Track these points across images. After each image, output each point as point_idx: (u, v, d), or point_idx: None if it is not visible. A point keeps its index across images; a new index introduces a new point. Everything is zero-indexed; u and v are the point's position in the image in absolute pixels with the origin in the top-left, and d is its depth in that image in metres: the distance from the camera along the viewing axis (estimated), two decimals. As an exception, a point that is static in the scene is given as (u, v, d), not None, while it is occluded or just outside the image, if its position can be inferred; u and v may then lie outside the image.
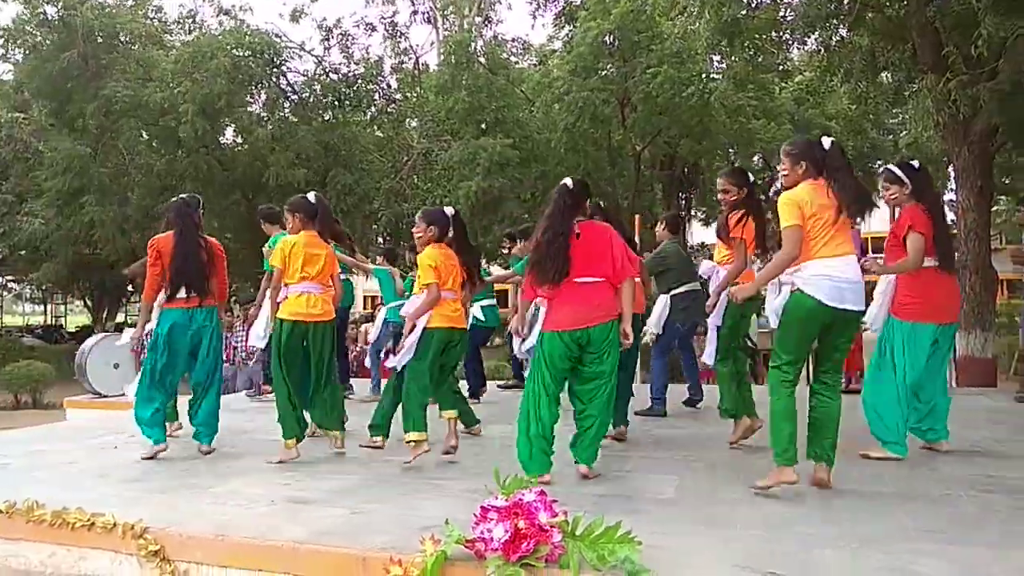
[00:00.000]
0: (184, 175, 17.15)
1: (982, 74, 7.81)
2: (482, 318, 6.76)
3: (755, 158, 18.49)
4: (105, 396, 9.00)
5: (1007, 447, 4.50)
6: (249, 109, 18.34)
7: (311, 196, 4.92)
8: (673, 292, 5.99)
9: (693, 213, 22.21)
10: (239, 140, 19.29)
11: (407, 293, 7.18)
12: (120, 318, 28.57)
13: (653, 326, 5.98)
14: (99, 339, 9.98)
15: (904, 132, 15.96)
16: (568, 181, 4.07)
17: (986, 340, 8.49)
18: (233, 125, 18.53)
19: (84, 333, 23.79)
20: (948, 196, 18.30)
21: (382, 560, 2.75)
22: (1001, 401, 6.57)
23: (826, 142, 3.71)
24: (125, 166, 18.09)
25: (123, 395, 9.54)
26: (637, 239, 7.51)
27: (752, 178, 4.76)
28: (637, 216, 10.65)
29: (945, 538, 2.95)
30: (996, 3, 6.85)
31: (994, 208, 14.03)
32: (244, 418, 6.47)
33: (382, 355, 7.38)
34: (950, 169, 11.65)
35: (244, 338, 10.19)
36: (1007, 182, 14.64)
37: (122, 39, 18.20)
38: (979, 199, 8.66)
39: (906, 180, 4.38)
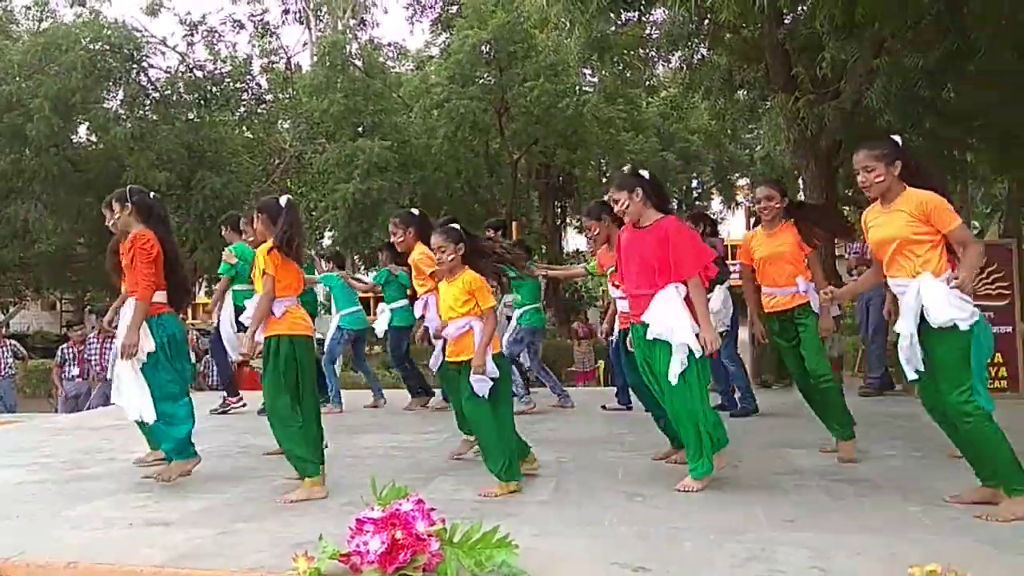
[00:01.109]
0: (32, 176, 15.91)
1: (827, 94, 8.45)
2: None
3: (625, 168, 19.17)
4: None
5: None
6: (106, 106, 17.24)
7: (282, 200, 4.28)
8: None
9: (568, 220, 22.76)
10: (93, 139, 18.10)
11: (382, 287, 6.99)
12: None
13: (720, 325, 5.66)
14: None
15: (759, 146, 17.01)
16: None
17: (833, 341, 9.15)
18: (88, 123, 17.37)
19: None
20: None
21: (253, 580, 2.66)
22: (848, 397, 7.09)
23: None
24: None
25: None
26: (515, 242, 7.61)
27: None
28: (515, 223, 10.83)
29: (795, 525, 3.18)
30: (837, 29, 7.44)
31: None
32: (99, 436, 6.07)
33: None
34: (799, 181, 12.51)
35: (98, 352, 9.58)
36: (849, 193, 15.87)
37: (-40, 28, 16.73)
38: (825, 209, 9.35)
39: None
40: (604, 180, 20.00)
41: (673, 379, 3.68)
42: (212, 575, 2.79)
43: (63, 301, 28.91)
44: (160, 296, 4.23)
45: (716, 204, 23.17)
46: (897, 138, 3.62)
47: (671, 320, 3.68)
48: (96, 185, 16.86)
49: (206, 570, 2.82)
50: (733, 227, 26.02)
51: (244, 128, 19.82)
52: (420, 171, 15.99)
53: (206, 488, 4.16)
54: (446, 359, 4.15)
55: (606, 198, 4.17)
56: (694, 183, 22.06)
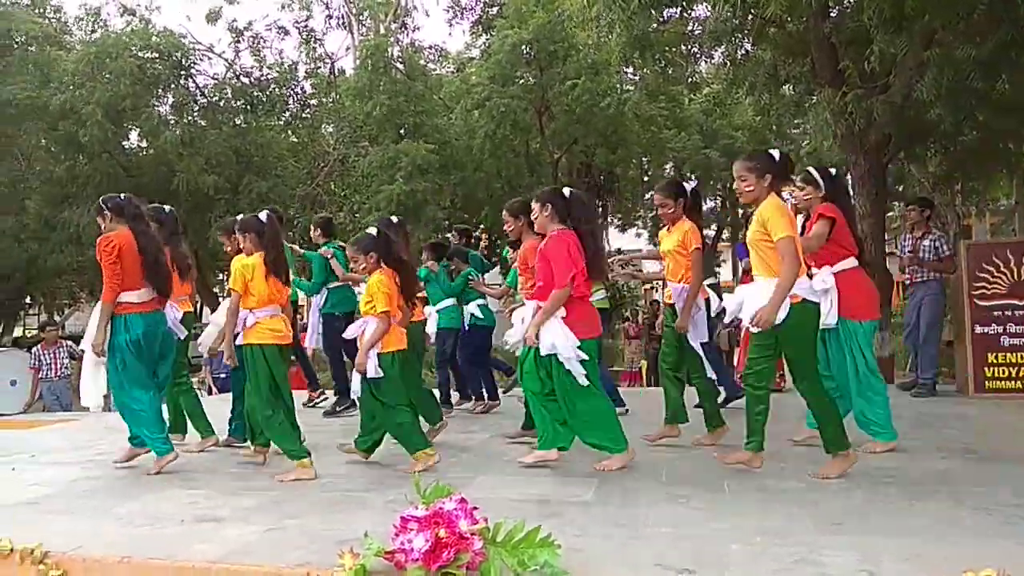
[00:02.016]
0: (86, 182, 16.41)
1: (875, 88, 8.26)
2: (480, 316, 6.67)
3: (667, 166, 19.01)
4: (1, 415, 8.53)
5: (902, 441, 4.77)
6: (157, 111, 17.69)
7: (262, 216, 4.69)
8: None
9: (610, 220, 22.65)
10: (144, 144, 18.58)
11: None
12: (17, 332, 27.04)
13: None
14: (-6, 355, 9.46)
15: (805, 142, 16.71)
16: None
17: (883, 340, 8.95)
18: (138, 129, 17.83)
19: (-23, 349, 22.40)
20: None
21: (299, 576, 2.71)
22: (897, 397, 6.94)
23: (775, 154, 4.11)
24: (22, 173, 17.18)
25: (22, 412, 9.09)
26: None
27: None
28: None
29: (842, 528, 3.11)
30: (885, 22, 7.27)
31: (889, 214, 14.83)
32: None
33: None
34: (848, 177, 12.26)
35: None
36: (900, 189, 15.50)
37: (18, 40, 17.28)
38: (875, 205, 9.15)
39: (820, 183, 4.62)
40: (645, 179, 19.85)
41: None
42: (262, 571, 2.85)
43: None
44: (131, 296, 4.49)
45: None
46: (776, 152, 4.10)
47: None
48: (147, 190, 17.28)
49: (256, 565, 2.88)
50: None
51: (289, 132, 20.15)
52: (461, 172, 16.06)
53: (255, 485, 4.25)
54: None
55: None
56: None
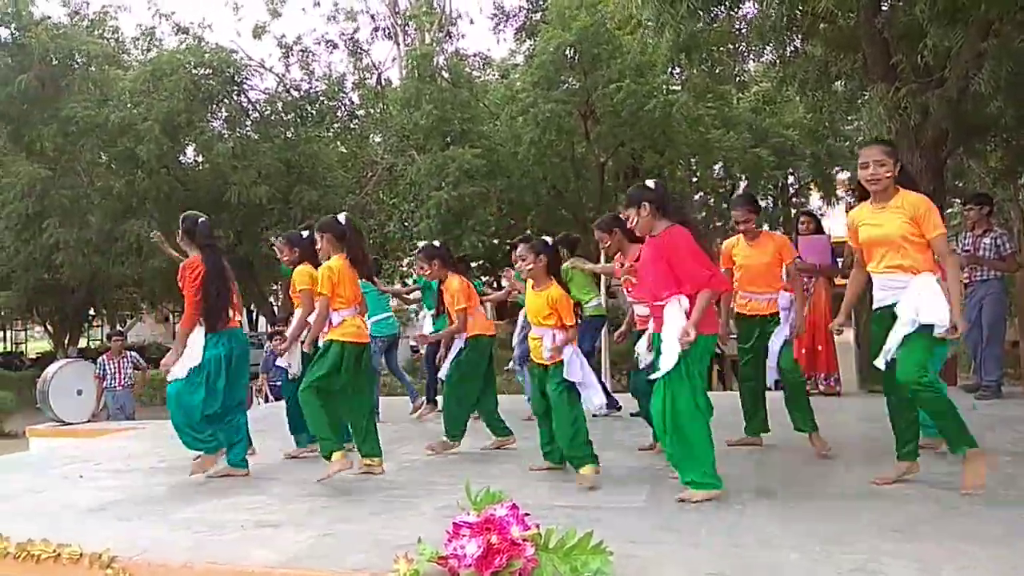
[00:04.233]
0: (145, 196, 16.96)
1: (930, 82, 8.04)
2: None
3: (716, 166, 18.77)
4: (68, 424, 8.82)
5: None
6: (211, 125, 18.19)
7: (341, 217, 4.75)
8: None
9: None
10: (199, 159, 19.12)
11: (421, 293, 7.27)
12: (82, 343, 28.02)
13: None
14: (61, 365, 9.79)
15: (859, 138, 16.31)
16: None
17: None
18: (194, 144, 18.36)
19: (45, 359, 23.28)
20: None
21: (355, 581, 2.75)
22: (960, 399, 6.73)
23: None
24: (84, 188, 17.83)
25: (88, 422, 9.38)
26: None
27: None
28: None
29: (903, 536, 3.04)
30: (939, 15, 7.07)
31: (948, 211, 14.40)
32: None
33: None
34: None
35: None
36: (959, 185, 15.05)
37: (79, 60, 17.95)
38: (932, 202, 8.88)
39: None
40: (695, 179, 19.62)
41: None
42: (319, 574, 2.90)
43: (175, 314, 30.57)
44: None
45: (815, 200, 22.30)
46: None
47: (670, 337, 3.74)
48: (202, 202, 17.82)
49: (313, 570, 2.94)
50: (835, 224, 24.99)
51: (338, 143, 20.51)
52: (507, 177, 16.10)
53: (311, 491, 4.33)
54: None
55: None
56: (790, 179, 21.36)
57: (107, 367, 10.11)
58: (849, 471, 4.16)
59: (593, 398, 4.34)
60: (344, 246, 4.60)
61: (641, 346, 4.29)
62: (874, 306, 3.85)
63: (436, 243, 5.68)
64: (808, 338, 6.74)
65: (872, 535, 3.06)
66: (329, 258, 4.58)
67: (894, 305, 3.65)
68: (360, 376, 4.62)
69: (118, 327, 23.07)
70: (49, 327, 25.59)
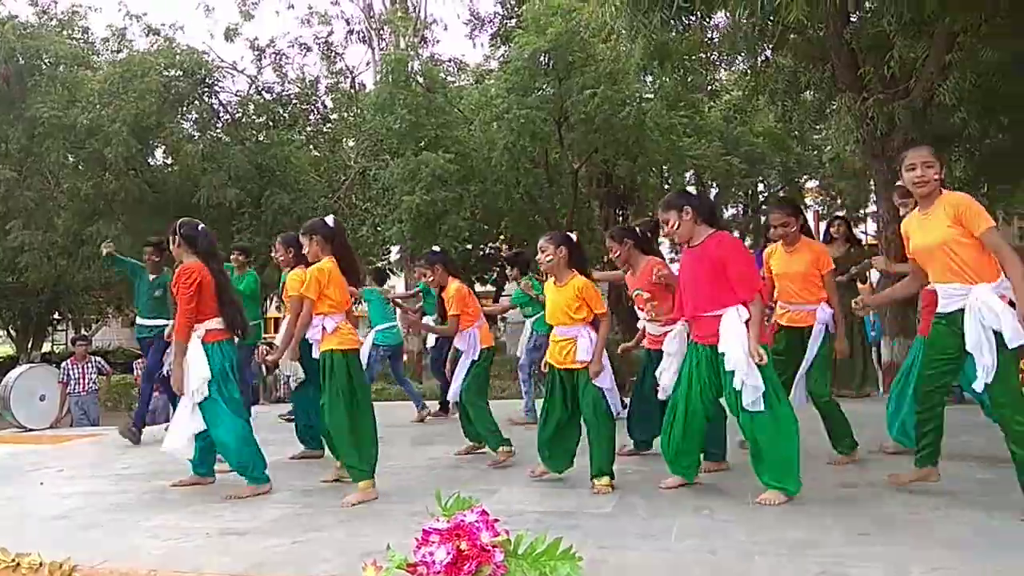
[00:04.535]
0: (113, 198, 16.68)
1: (896, 93, 8.18)
2: None
3: (688, 174, 18.95)
4: (31, 430, 8.65)
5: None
6: (181, 127, 17.96)
7: (329, 220, 4.54)
8: None
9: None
10: (169, 162, 18.87)
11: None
12: (46, 348, 27.47)
13: None
14: (23, 370, 9.60)
15: (827, 148, 16.57)
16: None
17: (908, 346, 8.83)
18: (163, 146, 18.12)
19: (7, 364, 22.81)
20: (870, 208, 19.06)
21: (323, 588, 2.72)
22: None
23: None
24: (51, 190, 17.51)
25: (51, 427, 9.19)
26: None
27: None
28: (575, 232, 10.80)
29: (870, 540, 3.07)
30: (905, 27, 7.20)
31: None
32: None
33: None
34: (871, 183, 12.15)
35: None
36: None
37: (46, 60, 17.63)
38: (898, 211, 9.03)
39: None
40: (666, 187, 19.77)
41: (753, 406, 3.65)
42: (284, 584, 2.87)
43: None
44: (215, 323, 4.41)
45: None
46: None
47: (733, 347, 3.63)
48: (171, 205, 17.60)
49: (278, 579, 2.90)
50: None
51: (311, 147, 20.34)
52: (480, 183, 16.11)
53: (278, 499, 4.28)
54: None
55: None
56: (760, 187, 21.62)
57: (71, 372, 9.94)
58: (817, 476, 4.20)
59: (616, 403, 4.24)
60: (333, 249, 4.42)
61: (666, 378, 4.15)
62: (938, 310, 3.62)
63: (437, 248, 5.60)
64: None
65: (839, 539, 3.10)
66: (318, 260, 4.39)
67: (960, 312, 3.43)
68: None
69: (83, 331, 22.65)
70: (12, 331, 25.07)
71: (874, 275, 9.59)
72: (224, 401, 4.35)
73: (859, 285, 7.69)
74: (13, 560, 3.14)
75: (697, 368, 3.86)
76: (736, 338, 3.61)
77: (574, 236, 4.44)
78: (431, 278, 5.45)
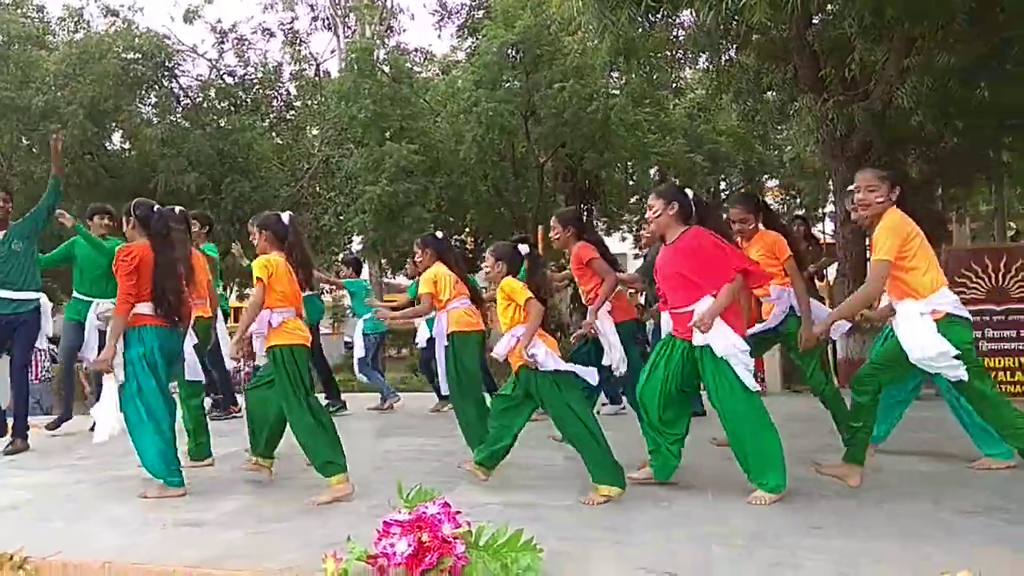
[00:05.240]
0: (68, 182, 16.25)
1: (856, 95, 8.35)
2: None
3: (652, 170, 19.10)
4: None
5: (883, 445, 4.81)
6: (139, 111, 17.58)
7: (284, 216, 4.45)
8: None
9: (594, 224, 22.69)
10: (127, 146, 18.46)
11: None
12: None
13: None
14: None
15: (788, 148, 16.84)
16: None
17: (864, 343, 9.03)
18: (120, 130, 17.71)
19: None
20: (828, 208, 19.41)
21: (282, 580, 2.71)
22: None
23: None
24: (3, 173, 17.00)
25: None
26: (540, 249, 7.70)
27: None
28: (540, 227, 10.83)
29: (822, 533, 3.15)
30: (866, 30, 7.35)
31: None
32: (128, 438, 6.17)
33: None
34: (830, 183, 12.37)
35: None
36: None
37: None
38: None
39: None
40: (631, 183, 19.92)
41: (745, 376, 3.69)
42: (244, 574, 2.84)
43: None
44: (146, 307, 4.20)
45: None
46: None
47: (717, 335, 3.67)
48: (128, 190, 17.21)
49: (238, 570, 2.88)
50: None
51: (274, 134, 20.05)
52: (446, 175, 16.06)
53: (238, 490, 4.23)
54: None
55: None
56: (722, 184, 21.91)
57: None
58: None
59: (588, 374, 4.06)
60: (284, 248, 4.34)
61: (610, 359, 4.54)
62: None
63: (439, 234, 5.33)
64: None
65: (794, 532, 3.17)
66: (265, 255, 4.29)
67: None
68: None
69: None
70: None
71: (831, 272, 9.80)
72: (137, 391, 4.15)
73: (817, 283, 7.86)
74: (-38, 552, 3.07)
75: (668, 358, 3.89)
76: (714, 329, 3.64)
77: (524, 249, 4.35)
78: (420, 259, 5.23)
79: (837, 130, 8.41)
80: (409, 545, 2.60)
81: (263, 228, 4.36)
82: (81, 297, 6.47)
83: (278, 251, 4.32)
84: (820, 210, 20.22)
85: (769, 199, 22.13)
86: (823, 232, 18.69)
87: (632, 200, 20.17)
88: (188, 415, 4.95)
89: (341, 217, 16.69)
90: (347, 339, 17.16)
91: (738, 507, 3.55)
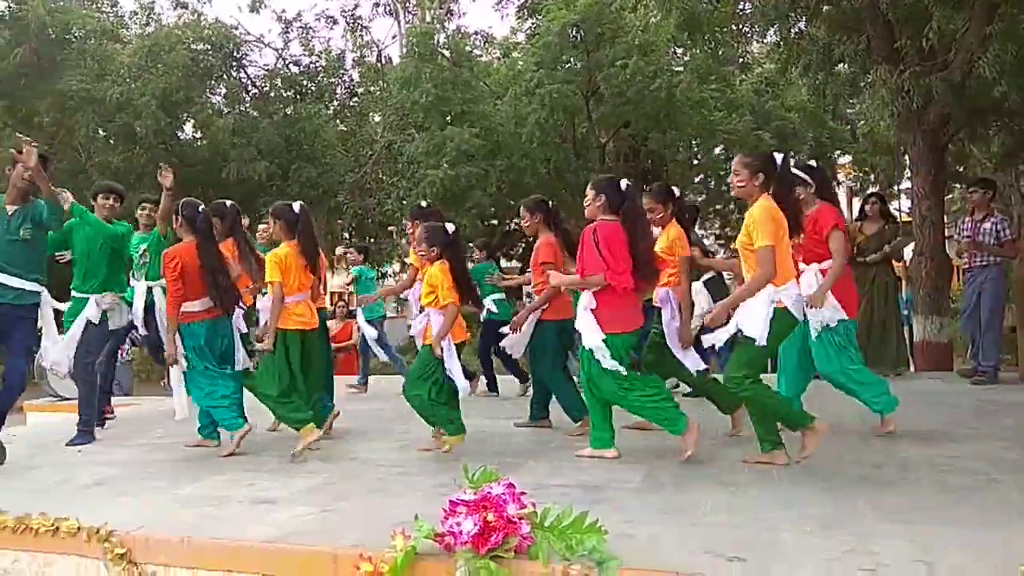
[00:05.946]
0: (143, 172, 16.84)
1: (934, 65, 8.00)
2: (495, 311, 6.84)
3: (717, 149, 18.69)
4: (67, 399, 8.82)
5: (963, 429, 4.65)
6: (210, 101, 18.08)
7: (296, 206, 4.91)
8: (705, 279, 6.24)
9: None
10: (198, 135, 19.01)
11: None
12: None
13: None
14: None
15: (861, 122, 16.26)
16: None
17: (942, 325, 8.70)
18: (192, 120, 18.25)
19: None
20: (904, 184, 18.71)
21: (352, 557, 2.76)
22: (957, 384, 6.76)
23: (778, 158, 4.00)
24: (82, 163, 17.72)
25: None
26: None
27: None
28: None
29: (902, 518, 3.05)
30: (944, -3, 7.03)
31: (948, 196, 14.34)
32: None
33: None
34: (905, 158, 11.91)
35: None
36: (961, 170, 14.99)
37: (76, 34, 17.77)
38: (933, 187, 8.87)
39: (810, 180, 4.66)
40: (695, 162, 19.53)
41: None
42: (316, 551, 2.92)
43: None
44: (193, 305, 4.72)
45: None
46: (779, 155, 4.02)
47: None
48: (201, 179, 17.75)
49: (310, 546, 2.95)
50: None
51: (338, 121, 20.37)
52: (507, 158, 16.03)
53: (308, 468, 4.35)
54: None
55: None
56: (792, 162, 21.29)
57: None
58: (846, 453, 4.17)
59: (461, 383, 4.51)
60: (295, 235, 4.78)
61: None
62: None
63: (450, 227, 5.56)
64: None
65: (867, 517, 3.08)
66: (278, 243, 4.82)
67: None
68: (312, 359, 4.89)
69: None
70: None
71: (908, 252, 9.43)
72: (198, 373, 4.78)
73: (894, 263, 7.58)
74: (53, 524, 3.23)
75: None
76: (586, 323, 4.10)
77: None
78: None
79: (913, 102, 8.08)
80: (475, 524, 2.62)
81: (277, 217, 4.84)
82: (81, 296, 5.61)
83: (290, 238, 4.77)
84: (895, 186, 19.48)
85: (841, 176, 21.46)
86: (899, 210, 18.02)
87: (697, 180, 19.79)
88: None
89: (404, 201, 16.85)
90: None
91: (809, 492, 3.47)
